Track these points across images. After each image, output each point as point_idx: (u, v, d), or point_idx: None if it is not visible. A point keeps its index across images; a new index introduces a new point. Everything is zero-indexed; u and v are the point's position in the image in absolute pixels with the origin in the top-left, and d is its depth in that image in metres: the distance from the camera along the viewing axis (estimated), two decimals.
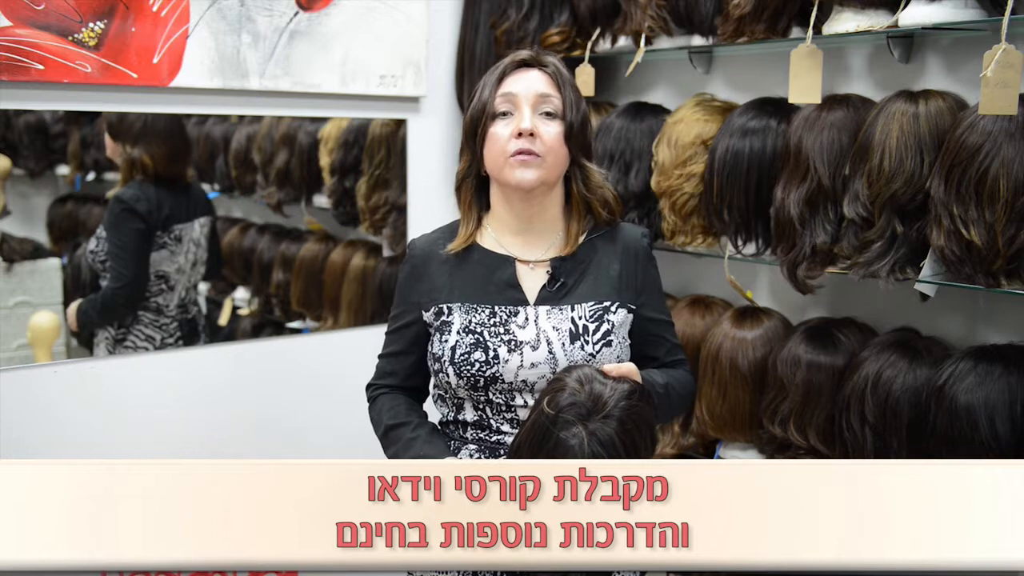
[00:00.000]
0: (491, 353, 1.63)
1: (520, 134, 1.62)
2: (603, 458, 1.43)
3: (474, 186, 1.73)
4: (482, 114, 1.67)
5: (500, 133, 1.64)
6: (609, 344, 1.66)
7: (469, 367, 1.63)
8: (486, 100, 1.67)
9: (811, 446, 2.13)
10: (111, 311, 2.48)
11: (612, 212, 1.76)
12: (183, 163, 2.57)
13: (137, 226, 2.48)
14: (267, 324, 2.88)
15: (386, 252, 2.91)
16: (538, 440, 1.47)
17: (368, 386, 1.83)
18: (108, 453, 2.39)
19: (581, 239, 1.73)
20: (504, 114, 1.65)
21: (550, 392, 1.51)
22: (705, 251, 2.41)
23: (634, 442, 1.48)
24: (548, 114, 1.65)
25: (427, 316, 1.71)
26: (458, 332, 1.65)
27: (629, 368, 1.57)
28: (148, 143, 2.46)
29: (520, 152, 1.62)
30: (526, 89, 1.65)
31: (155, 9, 2.28)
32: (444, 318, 1.68)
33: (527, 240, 1.72)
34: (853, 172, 2.01)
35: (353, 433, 2.64)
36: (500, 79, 1.68)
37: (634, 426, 1.48)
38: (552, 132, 1.64)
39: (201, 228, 2.63)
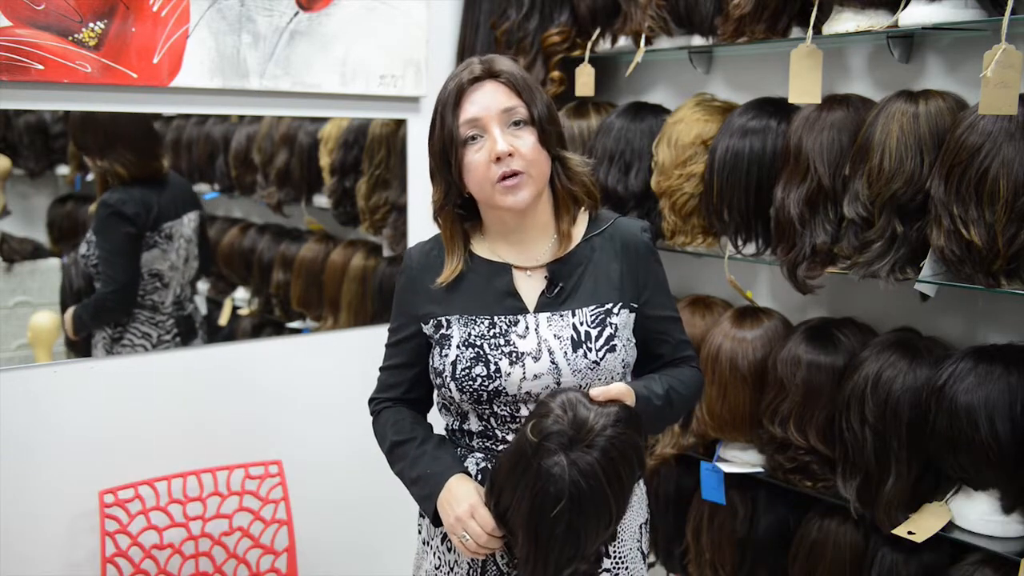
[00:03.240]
0: (492, 367, 1.60)
1: (498, 158, 1.55)
2: (583, 488, 1.41)
3: (455, 210, 1.66)
4: (451, 143, 1.59)
5: (476, 161, 1.57)
6: (613, 349, 1.62)
7: (471, 382, 1.60)
8: (451, 128, 1.58)
9: (811, 446, 2.13)
10: (104, 314, 2.48)
11: (592, 196, 1.70)
12: (156, 162, 2.52)
13: (126, 230, 2.47)
14: (267, 324, 2.88)
15: (386, 252, 2.91)
16: (521, 467, 1.45)
17: (371, 400, 1.80)
18: (108, 453, 2.39)
19: (577, 238, 1.69)
20: (473, 139, 1.58)
21: (535, 417, 1.47)
22: (705, 251, 2.41)
23: (617, 472, 1.44)
24: (516, 123, 1.58)
25: (427, 329, 1.68)
26: (458, 346, 1.62)
27: (619, 390, 1.51)
28: (116, 152, 2.43)
29: (504, 177, 1.56)
30: (487, 108, 1.57)
31: (155, 9, 2.28)
32: (443, 331, 1.65)
33: (523, 248, 1.67)
34: (853, 172, 2.01)
35: (353, 433, 2.65)
36: (458, 101, 1.59)
37: (619, 455, 1.44)
38: (527, 143, 1.57)
39: (190, 223, 2.62)
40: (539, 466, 1.42)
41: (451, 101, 1.59)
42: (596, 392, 1.49)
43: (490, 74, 1.60)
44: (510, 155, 1.55)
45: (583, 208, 1.71)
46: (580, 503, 1.42)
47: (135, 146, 2.46)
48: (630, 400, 1.53)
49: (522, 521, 1.45)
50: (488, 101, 1.58)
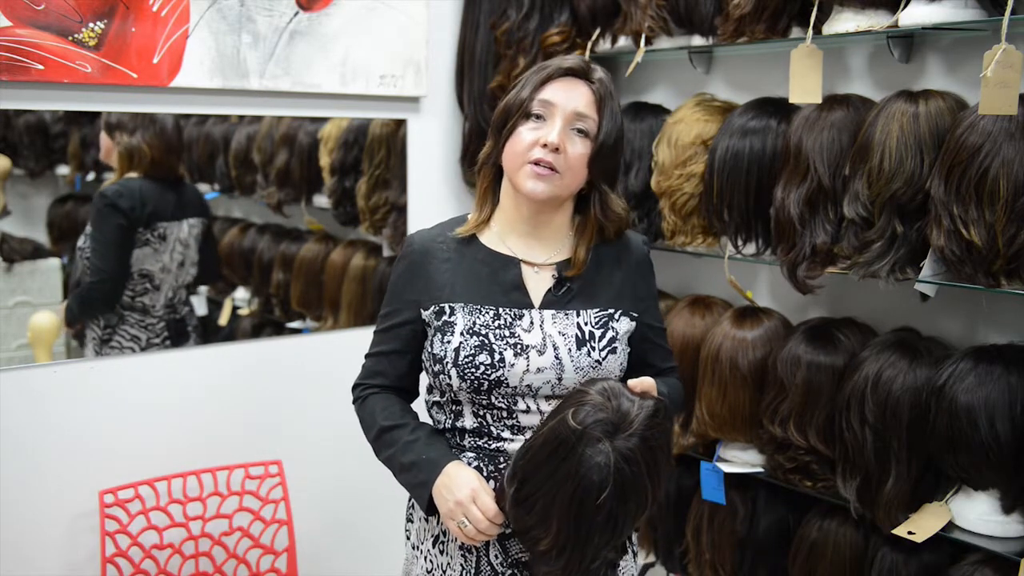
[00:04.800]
0: (496, 356, 1.60)
1: (545, 145, 1.58)
2: (627, 475, 1.42)
3: (492, 174, 1.71)
4: (516, 110, 1.62)
5: (525, 136, 1.60)
6: (614, 351, 1.64)
7: (474, 370, 1.60)
8: (524, 98, 1.61)
9: (811, 446, 2.13)
10: (89, 306, 2.48)
11: (621, 233, 1.74)
12: (177, 159, 2.56)
13: (118, 222, 2.47)
14: (267, 324, 2.88)
15: (386, 252, 2.91)
16: (561, 453, 1.44)
17: (355, 386, 1.78)
18: (108, 453, 2.39)
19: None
20: (537, 117, 1.61)
21: (573, 404, 1.47)
22: (705, 251, 2.41)
23: (655, 459, 1.46)
24: (580, 131, 1.61)
25: (426, 315, 1.68)
26: (462, 333, 1.62)
27: (651, 383, 1.55)
28: (146, 132, 2.45)
29: (539, 162, 1.58)
30: (566, 102, 1.60)
31: (155, 9, 2.28)
32: (446, 318, 1.65)
33: (532, 244, 1.69)
34: (853, 172, 2.01)
35: (353, 433, 2.64)
36: (544, 81, 1.62)
37: (657, 444, 1.46)
38: (578, 151, 1.60)
39: (191, 229, 2.61)
40: (583, 453, 1.42)
41: (541, 77, 1.63)
42: (633, 383, 1.53)
43: (586, 75, 1.64)
44: (556, 150, 1.58)
45: (607, 238, 1.73)
46: (623, 490, 1.42)
47: (164, 135, 2.48)
48: (655, 394, 1.56)
49: (561, 509, 1.43)
50: (571, 95, 1.61)
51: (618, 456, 1.41)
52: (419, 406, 1.80)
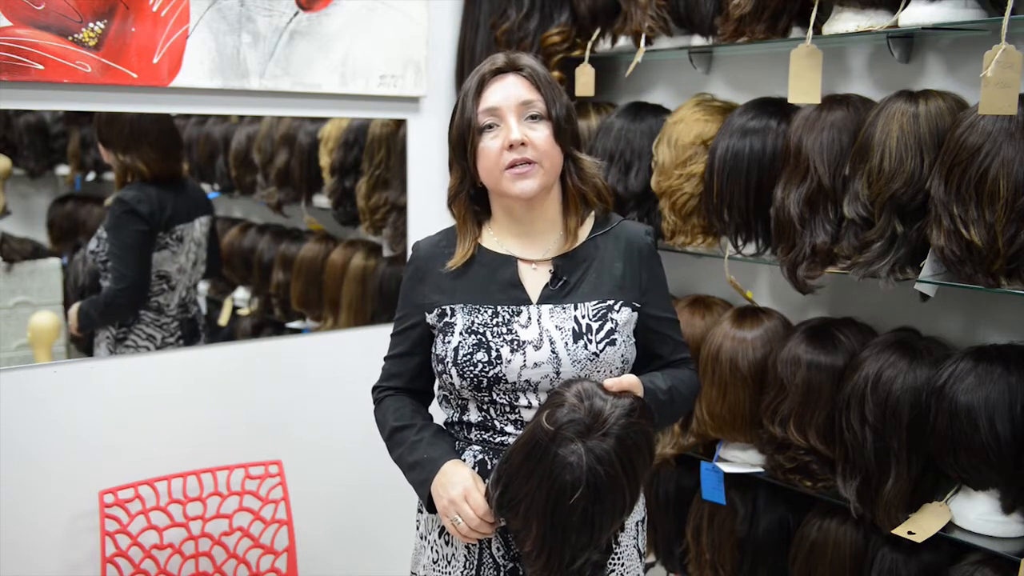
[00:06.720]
0: (493, 353, 1.62)
1: (511, 146, 1.60)
2: (600, 475, 1.43)
3: (468, 199, 1.72)
4: (468, 130, 1.64)
5: (490, 147, 1.62)
6: (613, 343, 1.65)
7: (472, 368, 1.63)
8: (469, 116, 1.64)
9: (811, 446, 2.13)
10: (114, 312, 2.48)
11: (605, 200, 1.75)
12: (177, 163, 2.56)
13: (139, 227, 2.48)
14: (267, 324, 2.88)
15: (386, 252, 2.91)
16: (536, 455, 1.46)
17: (374, 388, 1.84)
18: (108, 453, 2.39)
19: (583, 236, 1.73)
20: (490, 127, 1.63)
21: (549, 407, 1.50)
22: (705, 251, 2.41)
23: (631, 460, 1.47)
24: (533, 117, 1.63)
25: (430, 318, 1.71)
26: (461, 333, 1.65)
27: (631, 382, 1.56)
28: (140, 149, 2.45)
29: (514, 164, 1.60)
30: (507, 98, 1.63)
31: (155, 9, 2.28)
32: (447, 319, 1.68)
33: (529, 241, 1.71)
34: (853, 172, 2.01)
35: (353, 433, 2.65)
36: (479, 91, 1.65)
37: (633, 444, 1.47)
38: (542, 136, 1.62)
39: (201, 227, 2.63)
40: (556, 454, 1.44)
41: (473, 90, 1.65)
42: (610, 383, 1.53)
43: (513, 67, 1.67)
44: (523, 144, 1.60)
45: (593, 210, 1.75)
46: (597, 491, 1.44)
47: (158, 145, 2.48)
48: (639, 392, 1.57)
49: (538, 510, 1.46)
50: (508, 92, 1.64)
51: (591, 456, 1.43)
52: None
